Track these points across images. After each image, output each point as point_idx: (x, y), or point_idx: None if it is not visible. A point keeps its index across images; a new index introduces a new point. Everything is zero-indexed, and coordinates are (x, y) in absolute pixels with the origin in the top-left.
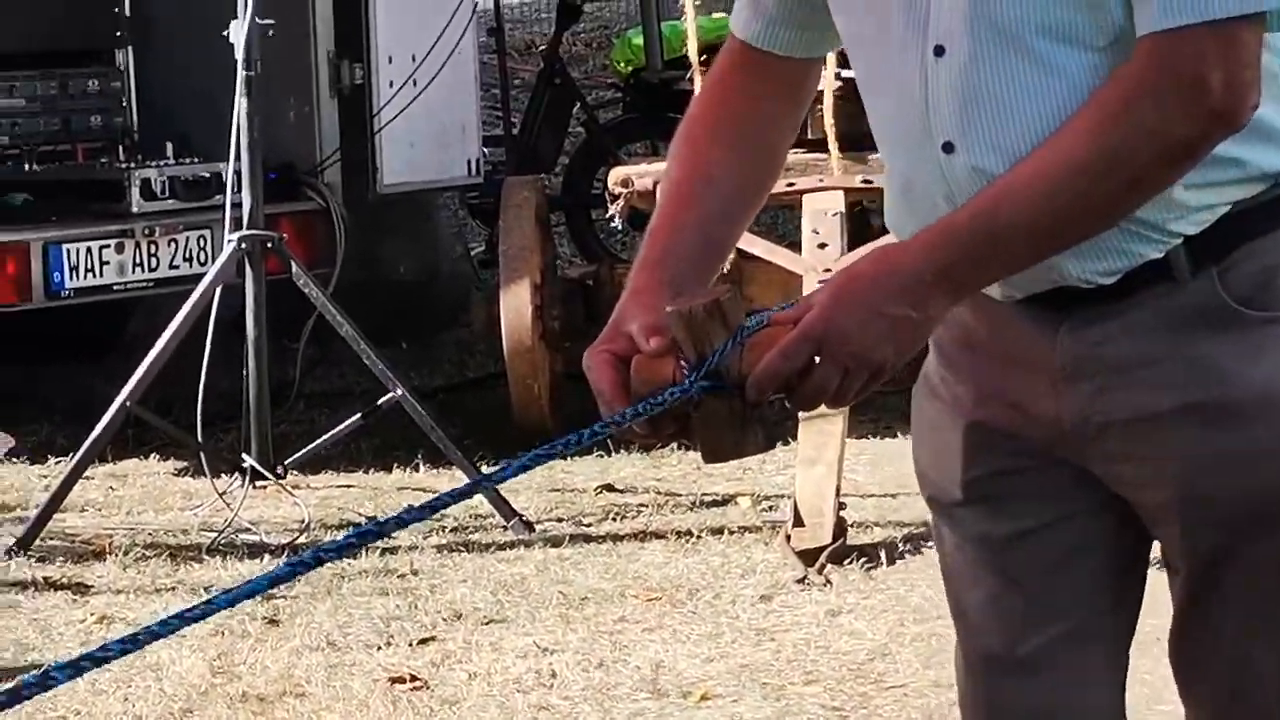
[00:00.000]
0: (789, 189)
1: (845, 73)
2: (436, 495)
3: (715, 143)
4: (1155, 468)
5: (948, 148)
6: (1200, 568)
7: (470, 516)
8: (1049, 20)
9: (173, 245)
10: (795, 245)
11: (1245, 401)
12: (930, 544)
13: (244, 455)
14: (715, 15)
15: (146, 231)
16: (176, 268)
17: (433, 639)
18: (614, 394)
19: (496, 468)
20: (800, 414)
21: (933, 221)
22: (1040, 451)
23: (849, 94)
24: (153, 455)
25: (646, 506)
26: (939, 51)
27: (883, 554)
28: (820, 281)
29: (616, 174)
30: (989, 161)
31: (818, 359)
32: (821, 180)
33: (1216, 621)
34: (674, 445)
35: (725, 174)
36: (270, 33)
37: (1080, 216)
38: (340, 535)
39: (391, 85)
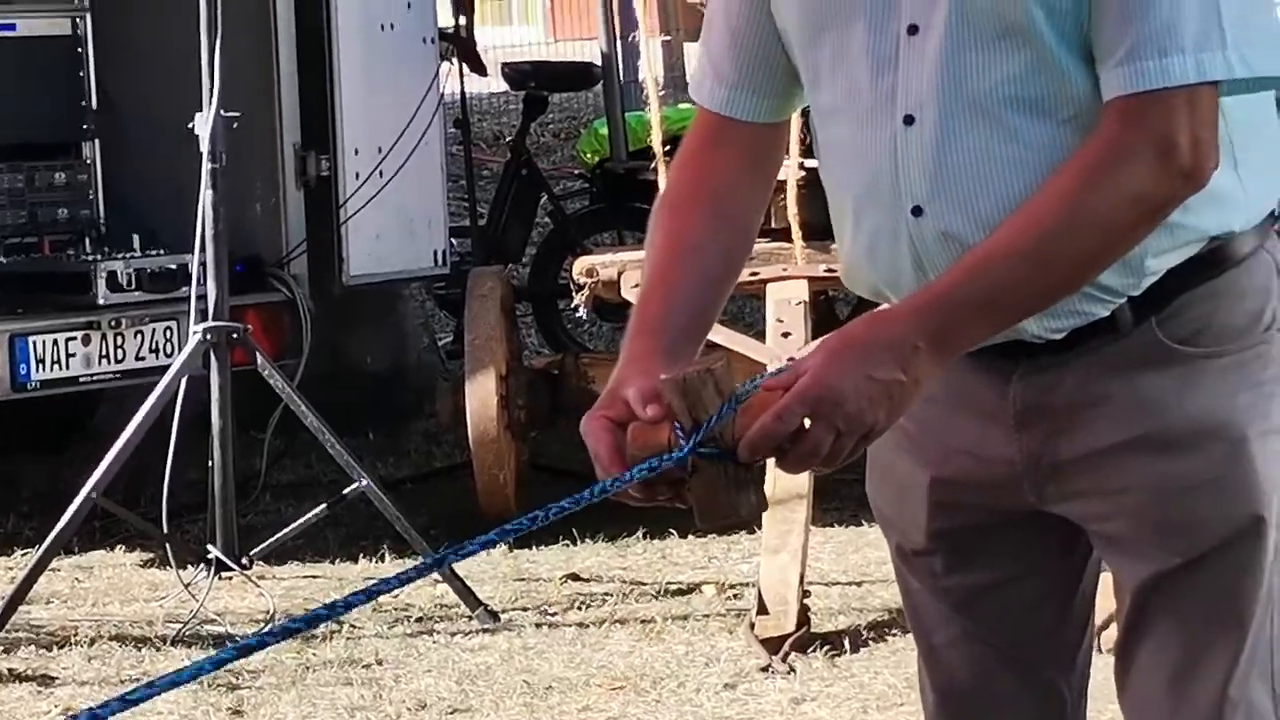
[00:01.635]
0: (752, 278)
1: (809, 162)
2: (397, 574)
3: (694, 211)
4: (1107, 501)
5: (916, 211)
6: (1144, 593)
7: (435, 606)
8: (1016, 93)
9: (139, 337)
10: (760, 334)
11: (1183, 432)
12: (895, 632)
13: (209, 546)
14: (681, 105)
15: (113, 323)
16: (143, 359)
17: None
18: (611, 459)
19: (458, 546)
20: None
21: (896, 282)
22: (1002, 505)
23: (812, 183)
24: (119, 546)
25: (611, 595)
26: (909, 120)
27: (847, 642)
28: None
29: (581, 264)
30: (958, 226)
31: (809, 422)
32: (785, 269)
33: (1158, 640)
34: (639, 533)
35: (707, 242)
36: (236, 125)
37: (1060, 276)
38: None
39: (358, 176)
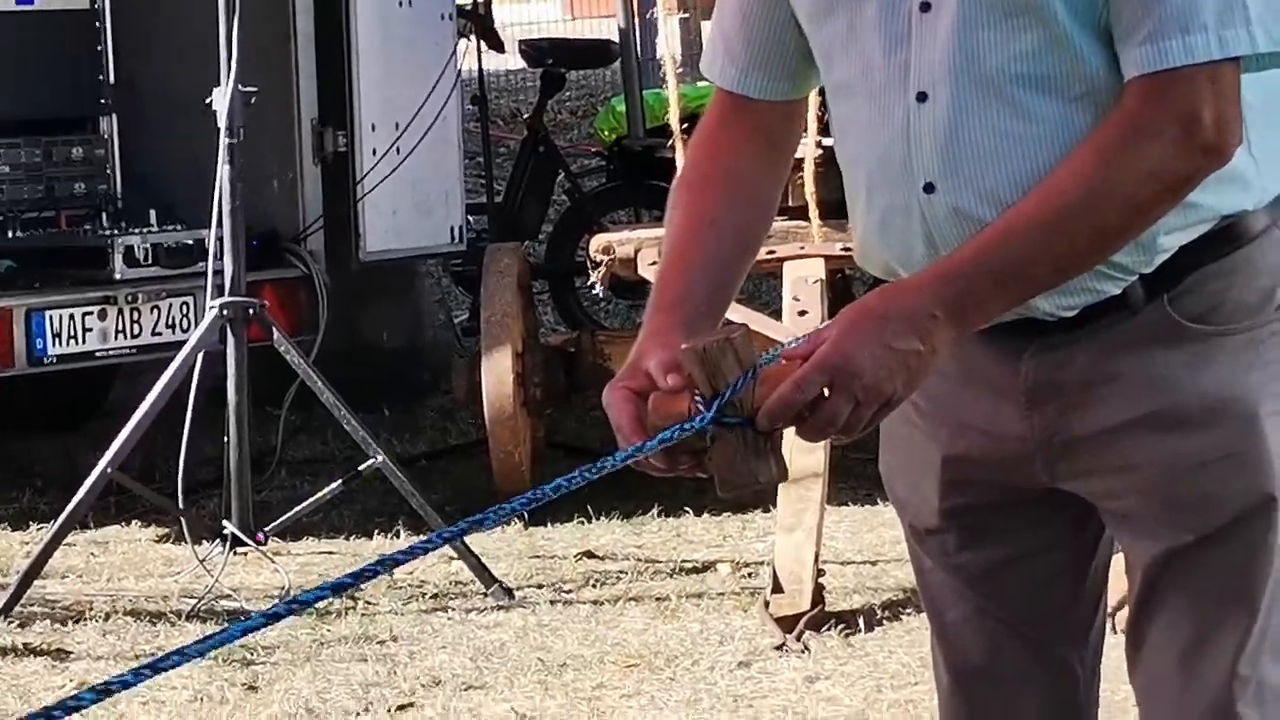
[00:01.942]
0: (769, 256)
1: (826, 141)
2: (409, 545)
3: (712, 189)
4: (1119, 478)
5: (929, 188)
6: (1156, 569)
7: (450, 583)
8: (1027, 71)
9: (155, 312)
10: (777, 313)
11: (1196, 409)
12: (909, 611)
13: (225, 522)
14: (699, 84)
15: (129, 298)
16: (159, 334)
17: (411, 705)
18: (632, 429)
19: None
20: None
21: (908, 259)
22: (1014, 482)
23: (830, 161)
24: (134, 522)
25: (626, 573)
26: (921, 98)
27: (861, 620)
28: None
29: (598, 241)
30: (969, 203)
31: (829, 391)
32: (802, 248)
33: (1169, 617)
34: (655, 511)
35: (725, 219)
36: (253, 100)
37: (1080, 250)
38: (320, 602)
39: (375, 153)
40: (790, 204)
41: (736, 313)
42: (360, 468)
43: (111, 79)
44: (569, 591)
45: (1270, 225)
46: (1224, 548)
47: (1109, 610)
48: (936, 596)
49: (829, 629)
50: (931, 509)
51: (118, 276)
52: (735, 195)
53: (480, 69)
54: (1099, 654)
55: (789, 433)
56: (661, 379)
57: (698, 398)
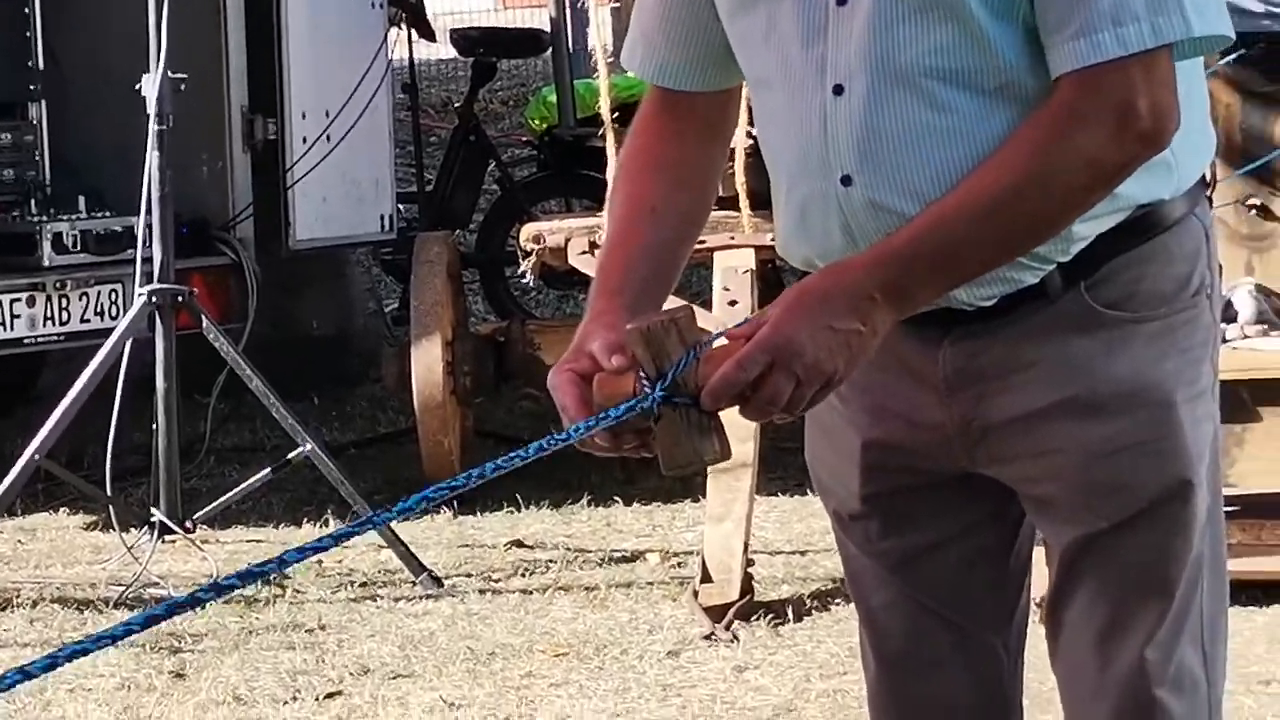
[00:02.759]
0: (700, 246)
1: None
2: (333, 532)
3: (652, 177)
4: (1035, 464)
5: (845, 180)
6: (1073, 554)
7: (379, 571)
8: (942, 64)
9: (84, 299)
10: (707, 303)
11: (1111, 395)
12: (838, 601)
13: (153, 509)
14: (630, 74)
15: (58, 285)
16: (88, 321)
17: (339, 693)
18: (578, 410)
19: (395, 509)
20: (709, 471)
21: (826, 252)
22: (934, 468)
23: (760, 151)
24: (62, 509)
25: (555, 562)
26: (838, 90)
27: (790, 610)
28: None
29: (528, 230)
30: (885, 195)
31: (771, 370)
32: (733, 238)
33: (1086, 602)
34: (584, 500)
35: (665, 205)
36: (183, 87)
37: (1018, 235)
38: (249, 589)
39: (305, 141)
40: (721, 194)
41: (667, 302)
42: (289, 456)
43: (40, 65)
44: (498, 580)
45: (1188, 213)
46: (1139, 533)
47: (1036, 600)
48: (861, 582)
49: (758, 619)
50: (853, 495)
51: (46, 263)
52: (675, 182)
53: (411, 57)
54: (1023, 638)
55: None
56: (606, 360)
57: (643, 378)
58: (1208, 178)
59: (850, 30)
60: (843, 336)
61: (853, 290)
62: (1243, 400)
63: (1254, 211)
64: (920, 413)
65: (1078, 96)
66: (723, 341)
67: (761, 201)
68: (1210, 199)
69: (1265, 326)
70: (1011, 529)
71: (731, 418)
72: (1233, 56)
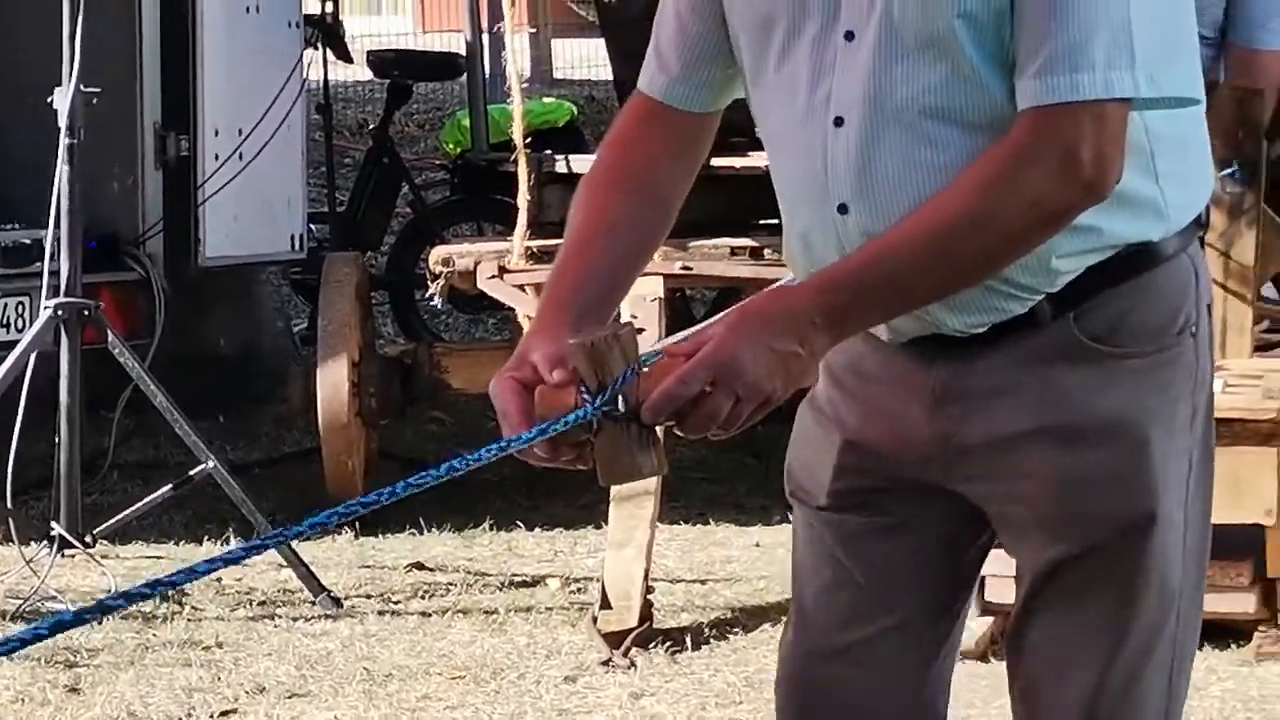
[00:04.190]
0: None
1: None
2: (230, 550)
3: (616, 191)
4: (1011, 486)
5: (842, 209)
6: (1039, 579)
7: (278, 591)
8: (934, 103)
9: None
10: None
11: (1091, 428)
12: (736, 631)
13: (53, 523)
14: (545, 99)
15: None
16: None
17: (234, 711)
18: (519, 419)
19: (304, 524)
20: (612, 498)
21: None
22: (910, 477)
23: None
24: None
25: (455, 585)
26: (839, 122)
27: (688, 639)
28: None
29: (438, 253)
30: (878, 225)
31: (711, 388)
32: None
33: (1048, 624)
34: (486, 525)
35: (625, 221)
36: (96, 101)
37: (956, 270)
38: (147, 606)
39: (217, 158)
40: None
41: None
42: (191, 473)
43: None
44: (397, 602)
45: (1179, 251)
46: (1104, 561)
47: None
48: (802, 570)
49: (656, 646)
50: (823, 488)
51: None
52: (640, 200)
53: (325, 77)
54: (957, 636)
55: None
56: (548, 372)
57: (584, 390)
58: (1204, 218)
59: (854, 64)
60: (782, 358)
61: (795, 314)
62: None
63: None
64: (904, 424)
65: (1029, 135)
66: (664, 358)
67: (673, 231)
68: (1203, 240)
69: None
70: (972, 534)
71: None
72: None
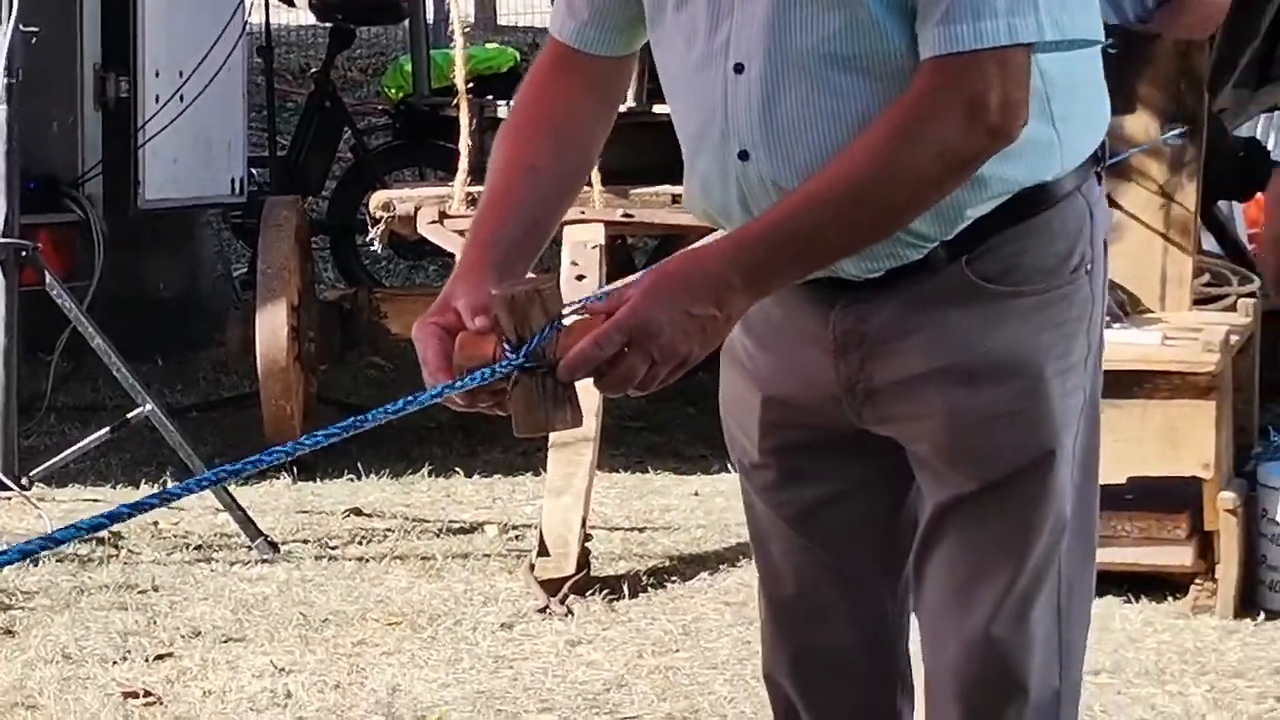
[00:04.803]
0: None
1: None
2: (165, 489)
3: (536, 135)
4: (914, 426)
5: (743, 155)
6: (941, 510)
7: (215, 535)
8: (835, 50)
9: None
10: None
11: (986, 365)
12: (674, 579)
13: None
14: (487, 45)
15: None
16: None
17: (170, 655)
18: (438, 365)
19: (236, 466)
20: (550, 445)
21: (727, 215)
22: (828, 425)
23: (614, 128)
24: None
25: (393, 531)
26: (739, 69)
27: (626, 587)
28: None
29: (378, 198)
30: (779, 171)
31: (627, 349)
32: (583, 213)
33: (948, 556)
34: (424, 471)
35: (545, 164)
36: (34, 41)
37: (869, 223)
38: (82, 549)
39: (158, 100)
40: None
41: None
42: (128, 416)
43: None
44: (335, 548)
45: (1073, 190)
46: (1002, 497)
47: None
48: (760, 528)
49: (593, 594)
50: (754, 446)
51: None
52: (559, 143)
53: (267, 20)
54: (909, 591)
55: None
56: (470, 319)
57: (505, 342)
58: (1100, 154)
59: (753, 10)
60: (699, 321)
61: (710, 276)
62: None
63: None
64: (813, 372)
65: (933, 85)
66: (584, 315)
67: (612, 178)
68: (1100, 175)
69: (1108, 319)
70: (902, 486)
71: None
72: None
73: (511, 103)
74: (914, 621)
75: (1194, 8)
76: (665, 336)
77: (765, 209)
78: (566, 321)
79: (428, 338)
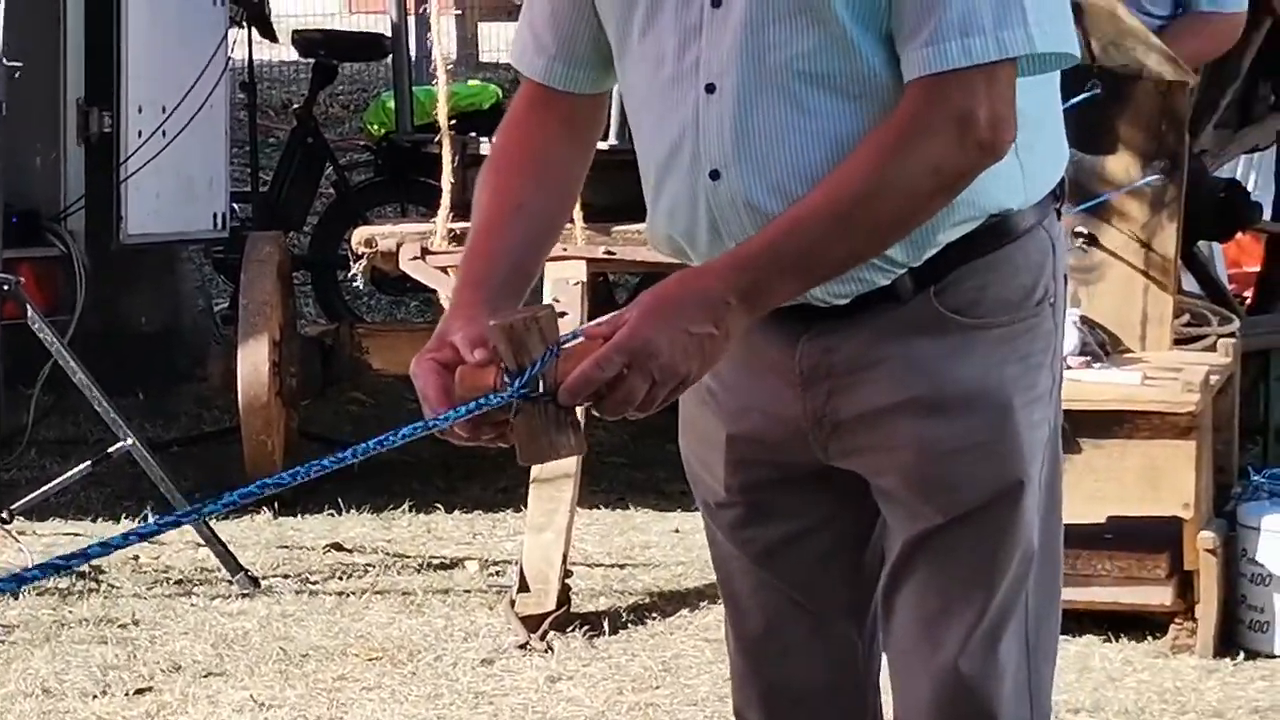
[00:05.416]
0: None
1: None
2: (144, 524)
3: (518, 173)
4: (881, 459)
5: (714, 175)
6: (909, 546)
7: (195, 569)
8: (808, 68)
9: None
10: None
11: (954, 397)
12: (654, 616)
13: None
14: (470, 82)
15: None
16: None
17: (150, 689)
18: (439, 399)
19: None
20: (531, 481)
21: (694, 242)
22: (793, 460)
23: (595, 165)
24: None
25: (374, 566)
26: (710, 89)
27: (606, 623)
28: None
29: (360, 234)
30: (751, 190)
31: (627, 370)
32: (565, 249)
33: (916, 591)
34: (405, 506)
35: (529, 202)
36: (18, 75)
37: (864, 241)
38: (63, 583)
39: (140, 135)
40: None
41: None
42: (110, 450)
43: None
44: (315, 582)
45: (1036, 225)
46: (970, 529)
47: None
48: (726, 567)
49: (573, 630)
50: (719, 484)
51: None
52: (542, 180)
53: (250, 56)
54: (877, 625)
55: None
56: (468, 352)
57: (504, 371)
58: (1058, 192)
59: (723, 31)
60: (697, 340)
61: (708, 295)
62: (1063, 431)
63: (1081, 242)
64: (779, 406)
65: (923, 104)
66: (582, 340)
67: (594, 214)
68: (1059, 212)
69: (1088, 358)
70: (868, 522)
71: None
72: (1077, 99)
73: (492, 141)
74: (883, 656)
75: (1209, 26)
76: (665, 356)
77: (735, 230)
78: (565, 347)
79: (427, 374)
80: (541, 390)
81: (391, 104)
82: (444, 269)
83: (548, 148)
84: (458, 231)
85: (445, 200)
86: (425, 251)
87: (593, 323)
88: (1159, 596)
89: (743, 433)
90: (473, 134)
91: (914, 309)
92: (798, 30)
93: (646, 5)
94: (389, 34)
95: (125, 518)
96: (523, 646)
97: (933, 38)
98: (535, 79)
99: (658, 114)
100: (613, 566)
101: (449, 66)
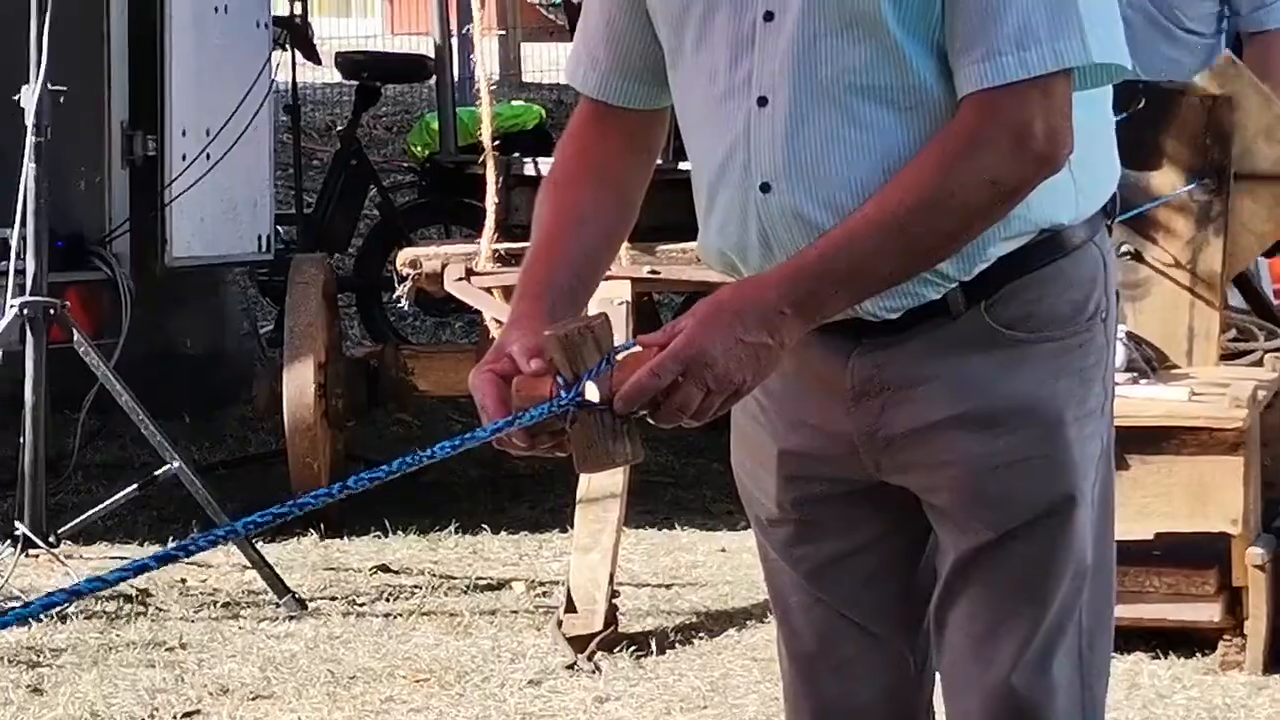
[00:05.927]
0: None
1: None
2: (189, 539)
3: (580, 187)
4: (933, 474)
5: (765, 188)
6: (962, 561)
7: (243, 592)
8: (861, 81)
9: None
10: None
11: (1005, 411)
12: (701, 635)
13: (17, 523)
14: (513, 102)
15: None
16: None
17: (198, 712)
18: (496, 409)
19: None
20: (578, 501)
21: (745, 256)
22: (845, 476)
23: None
24: None
25: (420, 588)
26: (762, 102)
27: (653, 643)
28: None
29: (405, 255)
30: (802, 203)
31: (682, 379)
32: (610, 269)
33: (969, 606)
34: (452, 527)
35: (592, 214)
36: (63, 99)
37: (919, 252)
38: (110, 606)
39: (184, 158)
40: None
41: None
42: (156, 473)
43: None
44: (362, 604)
45: (1087, 240)
46: (1023, 544)
47: None
48: (778, 584)
49: (621, 650)
50: (771, 501)
51: None
52: (603, 194)
53: (294, 78)
54: (930, 644)
55: None
56: (525, 363)
57: (560, 380)
58: (1109, 208)
59: (776, 44)
60: (752, 349)
61: (764, 305)
62: None
63: (1127, 258)
64: (830, 422)
65: (980, 118)
66: (637, 349)
67: (640, 234)
68: (1110, 228)
69: (1135, 374)
70: (920, 539)
71: None
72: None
73: (553, 157)
74: (936, 675)
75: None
76: (720, 365)
77: (785, 243)
78: (619, 357)
79: (484, 385)
80: (597, 399)
81: (435, 125)
82: (488, 290)
83: (608, 162)
84: (502, 252)
85: (490, 221)
86: (470, 273)
87: (622, 346)
88: (1207, 613)
89: (794, 449)
90: (516, 155)
91: (965, 324)
92: (850, 43)
93: (699, 18)
94: (431, 55)
95: (172, 540)
96: (570, 667)
97: (989, 52)
98: (590, 94)
99: (710, 128)
100: (659, 586)
101: (492, 87)
